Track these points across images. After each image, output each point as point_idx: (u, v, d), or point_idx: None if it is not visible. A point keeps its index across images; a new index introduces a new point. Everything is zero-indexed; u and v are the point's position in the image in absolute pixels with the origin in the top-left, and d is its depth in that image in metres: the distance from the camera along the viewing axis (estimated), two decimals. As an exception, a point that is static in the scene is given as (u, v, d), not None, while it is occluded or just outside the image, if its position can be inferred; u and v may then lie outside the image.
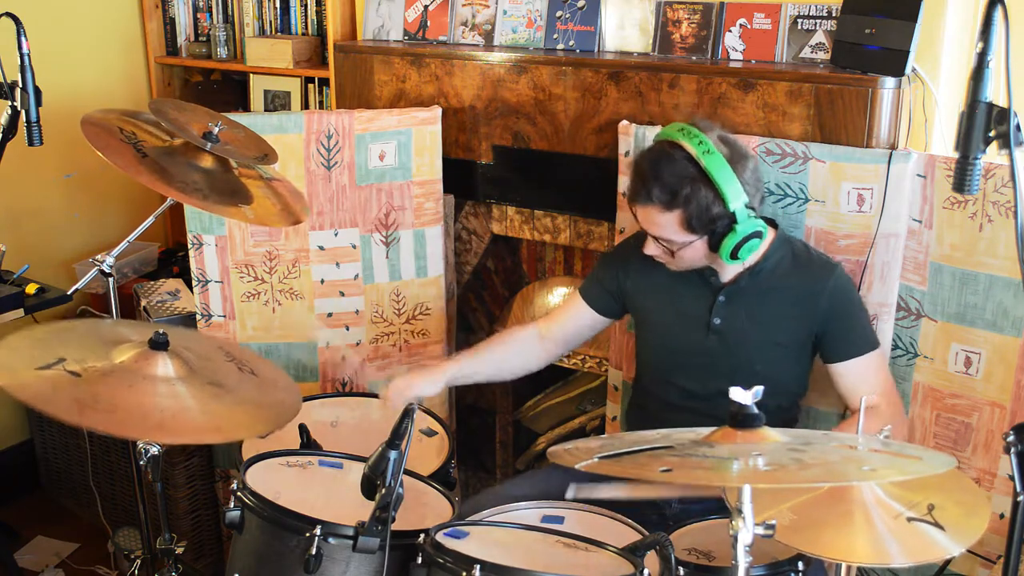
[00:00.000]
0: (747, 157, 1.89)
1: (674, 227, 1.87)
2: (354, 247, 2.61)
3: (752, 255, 1.95)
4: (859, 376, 1.96)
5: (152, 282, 3.05)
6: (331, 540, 1.55)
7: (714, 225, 1.86)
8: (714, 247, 1.88)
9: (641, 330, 2.19)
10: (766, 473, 1.21)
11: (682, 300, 2.04)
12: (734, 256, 1.87)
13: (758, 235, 1.87)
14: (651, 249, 1.95)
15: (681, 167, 1.83)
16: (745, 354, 1.98)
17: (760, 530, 1.29)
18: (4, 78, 1.96)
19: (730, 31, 2.35)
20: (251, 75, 3.29)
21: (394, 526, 1.51)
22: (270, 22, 3.27)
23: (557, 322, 2.20)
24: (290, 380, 1.93)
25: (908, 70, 2.05)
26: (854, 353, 1.95)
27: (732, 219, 1.84)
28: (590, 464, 1.28)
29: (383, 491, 1.50)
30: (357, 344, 2.67)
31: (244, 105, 3.37)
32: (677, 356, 2.08)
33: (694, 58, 2.39)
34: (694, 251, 1.91)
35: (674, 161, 1.84)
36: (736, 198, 1.83)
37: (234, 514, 1.65)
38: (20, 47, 1.93)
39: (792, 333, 1.97)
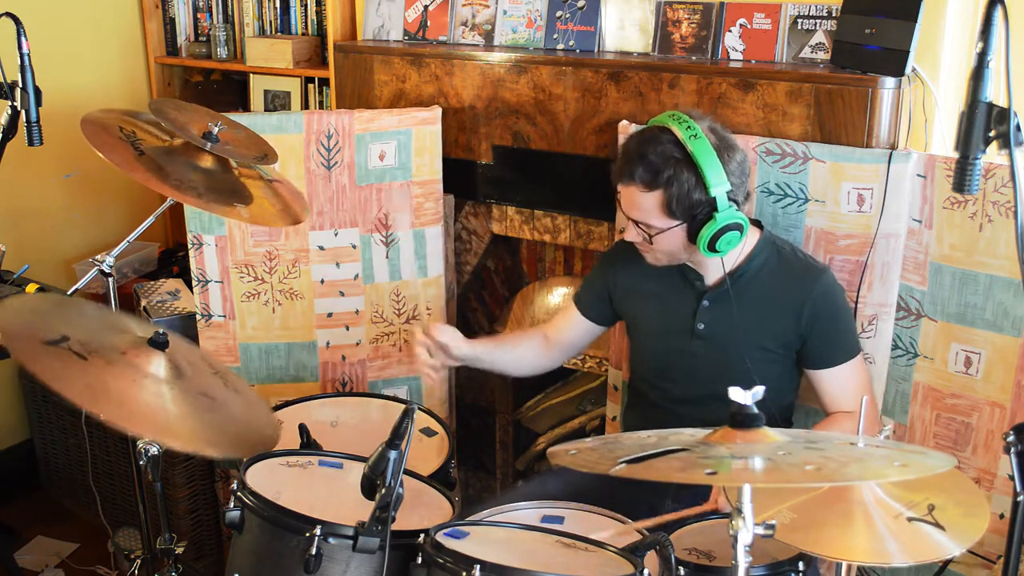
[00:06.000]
0: (735, 149, 1.87)
1: (654, 209, 1.85)
2: (354, 247, 2.61)
3: (733, 256, 1.94)
4: (841, 383, 1.95)
5: (152, 282, 3.05)
6: (331, 540, 1.55)
7: (694, 211, 1.83)
8: (692, 236, 1.86)
9: (631, 335, 2.19)
10: (767, 473, 1.21)
11: (668, 305, 2.04)
12: (712, 248, 1.84)
13: (738, 228, 1.84)
14: (631, 235, 1.93)
15: (667, 149, 1.82)
16: (731, 359, 1.96)
17: (760, 530, 1.29)
18: (4, 78, 1.96)
19: (730, 31, 2.35)
20: (251, 75, 3.29)
21: (394, 526, 1.51)
22: (270, 22, 3.27)
23: (557, 329, 2.21)
24: (266, 406, 1.88)
25: (908, 70, 2.05)
26: (838, 361, 1.94)
27: (712, 206, 1.82)
28: (620, 470, 1.27)
29: (383, 491, 1.50)
30: (357, 344, 2.67)
31: (244, 105, 3.37)
32: (664, 361, 2.08)
33: (694, 58, 2.39)
34: (672, 238, 1.88)
35: (660, 143, 1.83)
36: (719, 185, 1.81)
37: (234, 514, 1.65)
38: (20, 47, 1.93)
39: (778, 338, 1.96)
